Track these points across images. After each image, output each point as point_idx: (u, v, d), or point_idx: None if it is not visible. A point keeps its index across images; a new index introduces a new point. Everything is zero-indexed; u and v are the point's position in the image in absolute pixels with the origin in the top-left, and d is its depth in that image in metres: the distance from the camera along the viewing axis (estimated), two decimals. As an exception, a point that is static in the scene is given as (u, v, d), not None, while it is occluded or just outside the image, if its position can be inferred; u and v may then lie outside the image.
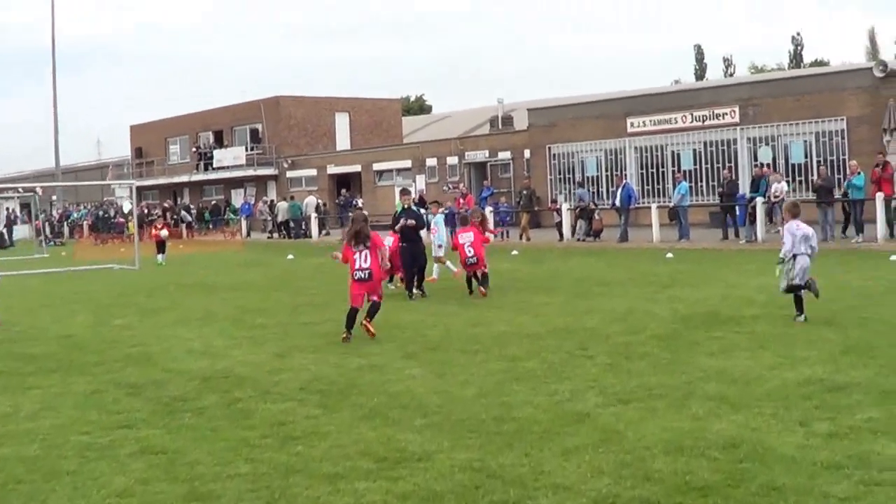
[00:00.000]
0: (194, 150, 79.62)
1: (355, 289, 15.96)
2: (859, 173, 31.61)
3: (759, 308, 17.22)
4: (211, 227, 66.04)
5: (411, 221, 21.38)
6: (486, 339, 15.28)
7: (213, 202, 73.19)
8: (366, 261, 15.87)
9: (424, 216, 22.41)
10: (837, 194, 33.89)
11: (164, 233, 39.69)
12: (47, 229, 74.45)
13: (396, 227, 21.62)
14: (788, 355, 12.60)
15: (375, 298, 16.14)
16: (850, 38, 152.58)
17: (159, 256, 38.41)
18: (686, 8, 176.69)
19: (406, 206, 21.89)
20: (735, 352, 13.11)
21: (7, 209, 76.65)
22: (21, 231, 73.75)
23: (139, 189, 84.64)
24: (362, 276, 15.89)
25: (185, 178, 79.21)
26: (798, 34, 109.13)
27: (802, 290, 15.44)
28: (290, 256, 38.53)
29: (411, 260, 21.36)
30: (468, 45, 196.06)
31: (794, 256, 15.40)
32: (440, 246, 24.74)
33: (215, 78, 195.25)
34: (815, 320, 15.35)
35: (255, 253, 43.90)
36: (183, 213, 68.40)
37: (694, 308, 17.67)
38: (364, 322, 15.74)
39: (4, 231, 67.44)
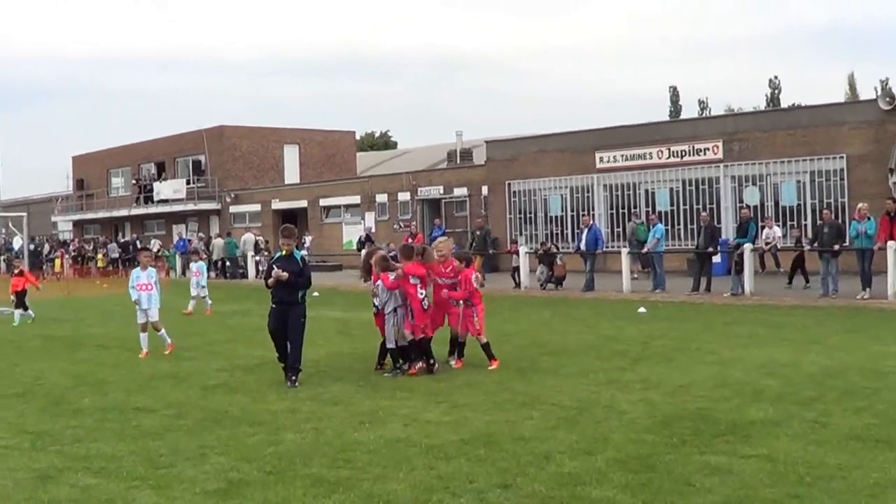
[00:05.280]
0: (134, 182, 74.58)
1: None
2: (869, 218, 26.59)
3: (771, 404, 12.02)
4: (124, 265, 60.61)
5: (284, 274, 15.03)
6: (361, 455, 10.02)
7: (125, 240, 67.52)
8: None
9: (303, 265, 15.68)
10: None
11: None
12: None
13: (269, 283, 15.32)
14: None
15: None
16: (829, 83, 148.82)
17: (16, 313, 27.95)
18: (659, 50, 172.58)
19: (286, 252, 15.48)
20: (752, 506, 7.93)
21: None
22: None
23: (80, 223, 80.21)
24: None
25: (125, 213, 73.93)
26: (776, 77, 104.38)
27: None
28: (209, 301, 33.26)
29: (281, 329, 15.29)
30: (437, 83, 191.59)
31: None
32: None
33: (179, 111, 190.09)
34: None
35: (176, 295, 38.26)
36: (110, 247, 63.09)
37: (677, 402, 12.43)
38: None
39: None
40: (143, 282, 19.60)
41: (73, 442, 11.28)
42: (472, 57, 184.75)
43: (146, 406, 13.50)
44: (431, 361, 15.62)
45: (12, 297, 28.58)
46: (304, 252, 18.78)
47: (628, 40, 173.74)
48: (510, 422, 11.45)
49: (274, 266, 15.19)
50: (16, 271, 29.66)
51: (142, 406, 13.51)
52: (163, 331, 19.63)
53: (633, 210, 41.42)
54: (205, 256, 52.33)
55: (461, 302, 16.33)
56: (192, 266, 31.37)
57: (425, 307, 15.70)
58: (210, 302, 30.84)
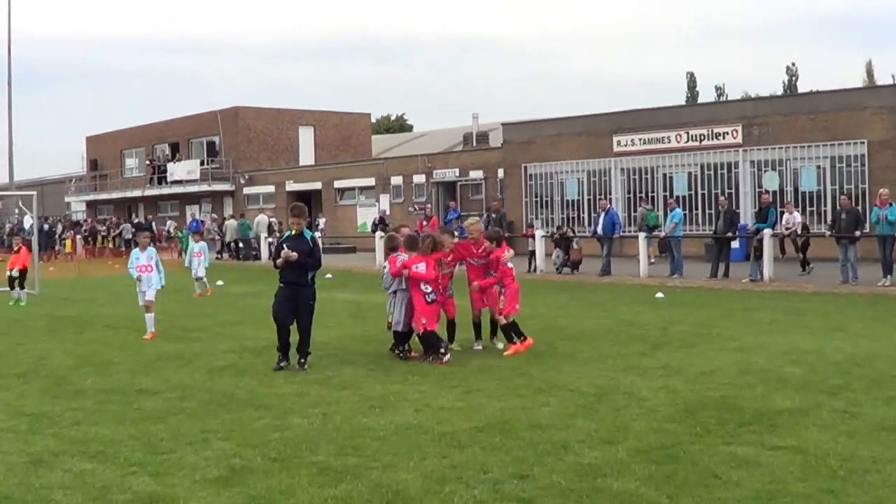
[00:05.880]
0: (148, 162, 74.20)
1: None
2: (891, 204, 26.04)
3: (797, 393, 11.56)
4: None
5: (294, 254, 14.39)
6: (370, 442, 9.61)
7: (138, 221, 67.05)
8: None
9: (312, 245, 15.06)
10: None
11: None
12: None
13: (277, 263, 14.68)
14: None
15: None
16: (846, 70, 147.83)
17: (14, 293, 27.31)
18: (674, 35, 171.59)
19: (295, 232, 14.85)
20: (782, 501, 7.45)
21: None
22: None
23: (94, 204, 79.87)
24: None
25: (138, 193, 73.54)
26: (793, 64, 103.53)
27: None
28: (220, 283, 32.88)
29: (287, 311, 14.65)
30: (453, 66, 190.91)
31: None
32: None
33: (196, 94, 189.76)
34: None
35: (187, 276, 38.09)
36: (123, 228, 62.78)
37: (700, 389, 11.96)
38: None
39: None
40: (143, 263, 19.18)
41: (71, 425, 10.89)
42: (487, 40, 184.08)
43: (150, 388, 13.10)
44: (441, 349, 14.95)
45: (8, 274, 27.75)
46: (317, 233, 18.26)
47: (643, 25, 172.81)
48: (526, 408, 11.01)
49: (283, 246, 14.66)
50: (15, 248, 28.73)
51: (145, 388, 13.12)
52: (153, 314, 19.05)
53: (650, 195, 40.98)
54: (217, 238, 52.42)
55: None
56: (195, 247, 30.39)
57: (428, 301, 15.07)
58: (220, 283, 30.47)
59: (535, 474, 8.30)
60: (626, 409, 10.89)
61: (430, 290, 14.99)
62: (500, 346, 15.99)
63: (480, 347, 16.16)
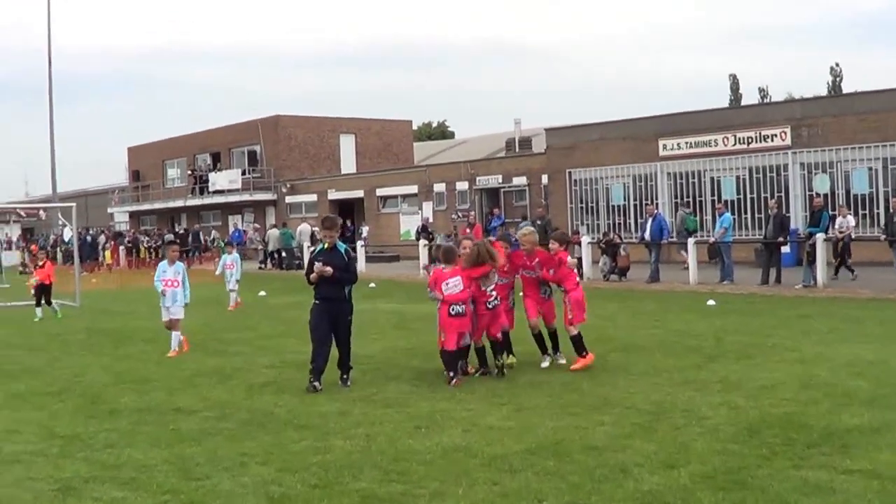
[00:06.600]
0: (189, 172, 74.08)
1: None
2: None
3: (865, 409, 10.91)
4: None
5: (328, 269, 13.72)
6: (416, 466, 9.05)
7: (181, 231, 66.75)
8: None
9: (348, 258, 14.20)
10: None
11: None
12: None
13: (311, 278, 13.97)
14: None
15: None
16: (890, 70, 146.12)
17: (39, 310, 26.37)
18: (714, 38, 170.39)
19: (328, 245, 14.14)
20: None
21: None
22: (11, 257, 67.32)
23: (137, 214, 79.92)
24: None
25: (180, 203, 73.45)
26: (837, 65, 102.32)
27: None
28: (262, 293, 32.54)
29: (325, 329, 13.87)
30: (494, 72, 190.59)
31: None
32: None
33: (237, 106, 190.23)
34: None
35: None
36: (166, 238, 62.57)
37: (762, 405, 11.32)
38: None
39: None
40: (170, 277, 18.48)
41: (104, 448, 10.42)
42: (525, 45, 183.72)
43: (187, 406, 12.63)
44: (451, 374, 13.85)
45: (32, 293, 26.91)
46: (359, 241, 17.69)
47: (683, 28, 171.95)
48: (580, 428, 10.43)
49: (316, 260, 13.99)
50: (40, 263, 27.85)
51: (182, 406, 12.66)
52: (178, 332, 18.45)
53: (697, 199, 40.32)
54: (260, 247, 52.15)
55: (550, 289, 15.18)
56: (227, 258, 29.65)
57: (452, 313, 13.99)
58: (262, 293, 30.11)
59: (593, 503, 7.74)
60: (685, 427, 10.29)
61: (461, 303, 14.16)
62: (563, 361, 15.13)
63: (547, 364, 15.13)
